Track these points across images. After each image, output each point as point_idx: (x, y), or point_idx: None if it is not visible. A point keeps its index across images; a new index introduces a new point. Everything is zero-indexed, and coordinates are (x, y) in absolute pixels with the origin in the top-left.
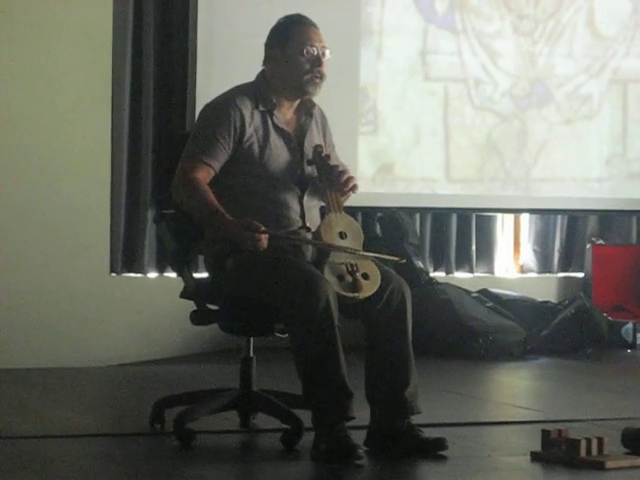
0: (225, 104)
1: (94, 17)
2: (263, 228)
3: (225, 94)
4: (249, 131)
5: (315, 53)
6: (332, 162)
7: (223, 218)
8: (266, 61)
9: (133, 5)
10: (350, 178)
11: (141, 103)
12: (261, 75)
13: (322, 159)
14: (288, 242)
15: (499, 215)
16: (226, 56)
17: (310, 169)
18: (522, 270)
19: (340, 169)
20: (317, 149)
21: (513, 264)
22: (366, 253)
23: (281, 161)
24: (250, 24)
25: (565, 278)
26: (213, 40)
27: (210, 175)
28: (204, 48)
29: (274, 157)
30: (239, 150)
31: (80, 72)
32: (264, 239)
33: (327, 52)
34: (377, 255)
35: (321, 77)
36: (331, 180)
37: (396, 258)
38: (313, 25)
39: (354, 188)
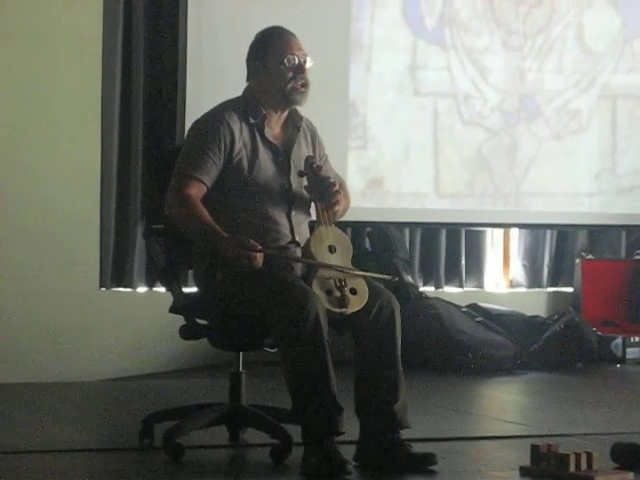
0: (214, 120)
1: (84, 31)
2: (259, 247)
3: (213, 110)
4: (238, 146)
5: (296, 61)
6: (324, 174)
7: (218, 236)
8: (250, 76)
9: (123, 19)
10: (336, 192)
11: (131, 117)
12: (249, 89)
13: (313, 170)
14: (283, 261)
15: (489, 230)
16: (215, 70)
17: (297, 184)
18: (512, 285)
19: (331, 181)
20: (309, 160)
21: (503, 279)
22: (360, 273)
23: (269, 175)
24: (239, 38)
25: (554, 293)
26: (202, 54)
27: (202, 191)
28: (193, 62)
29: (263, 171)
30: (228, 165)
31: (70, 86)
32: (259, 257)
33: (308, 59)
34: (371, 275)
35: (305, 84)
36: (321, 192)
37: (389, 277)
38: (291, 34)
39: (337, 203)
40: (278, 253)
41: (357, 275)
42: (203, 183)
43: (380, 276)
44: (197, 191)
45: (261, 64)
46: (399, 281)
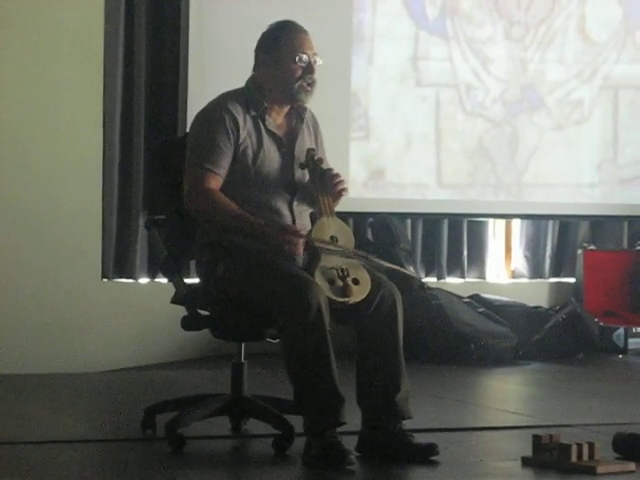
0: (218, 110)
1: (86, 22)
2: (302, 232)
3: (215, 100)
4: (243, 135)
5: (307, 60)
6: (324, 166)
7: (256, 225)
8: (257, 67)
9: (124, 11)
10: (340, 182)
11: (133, 109)
12: (251, 80)
13: (315, 162)
14: (323, 250)
15: (490, 220)
16: (217, 61)
17: (300, 174)
18: (513, 275)
19: (333, 172)
20: (310, 152)
21: (504, 269)
22: (395, 267)
23: (273, 166)
24: (241, 29)
25: (556, 283)
26: (204, 45)
27: (219, 183)
28: (195, 53)
29: (267, 162)
30: (234, 154)
31: (72, 79)
32: (301, 244)
33: (318, 59)
34: (402, 270)
35: (312, 84)
36: (323, 183)
37: (416, 276)
38: (304, 32)
39: (342, 191)
40: (320, 241)
41: (397, 271)
42: (219, 175)
43: (409, 272)
44: (215, 183)
45: (271, 57)
46: (421, 282)
